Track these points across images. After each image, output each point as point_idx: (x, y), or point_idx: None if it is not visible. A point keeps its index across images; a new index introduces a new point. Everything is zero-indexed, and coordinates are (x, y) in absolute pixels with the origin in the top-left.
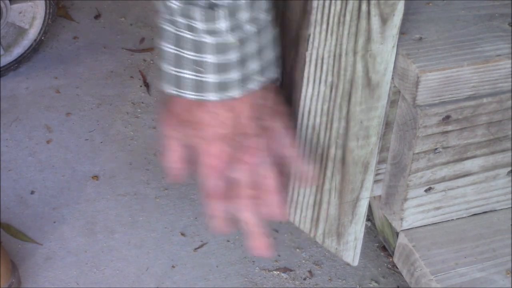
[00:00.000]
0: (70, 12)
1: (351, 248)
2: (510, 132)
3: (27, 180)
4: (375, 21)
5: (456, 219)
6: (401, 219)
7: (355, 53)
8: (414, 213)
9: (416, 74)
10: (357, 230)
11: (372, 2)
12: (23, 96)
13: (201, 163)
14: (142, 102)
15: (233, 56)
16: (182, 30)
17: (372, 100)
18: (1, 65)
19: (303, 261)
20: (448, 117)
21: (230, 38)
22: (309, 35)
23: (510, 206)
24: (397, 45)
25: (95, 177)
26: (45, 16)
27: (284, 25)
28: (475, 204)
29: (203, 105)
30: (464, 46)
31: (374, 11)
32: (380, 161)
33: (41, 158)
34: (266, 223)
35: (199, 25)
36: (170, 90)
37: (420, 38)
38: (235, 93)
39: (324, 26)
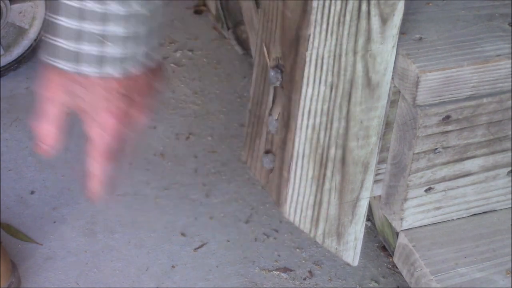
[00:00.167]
0: None
1: (351, 248)
2: (510, 132)
3: (27, 180)
4: (375, 21)
5: (456, 219)
6: (401, 219)
7: (355, 53)
8: (414, 213)
9: (416, 74)
10: (357, 230)
11: (372, 2)
12: (23, 96)
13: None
14: None
15: (119, 30)
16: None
17: (372, 100)
18: (1, 65)
19: (303, 261)
20: (448, 117)
21: (119, 10)
22: (309, 35)
23: (510, 206)
24: (397, 45)
25: None
26: (45, 16)
27: (284, 25)
28: (475, 204)
29: (80, 76)
30: (464, 46)
31: (374, 11)
32: (380, 161)
33: (41, 158)
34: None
35: None
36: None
37: (420, 38)
38: (112, 70)
39: (324, 26)
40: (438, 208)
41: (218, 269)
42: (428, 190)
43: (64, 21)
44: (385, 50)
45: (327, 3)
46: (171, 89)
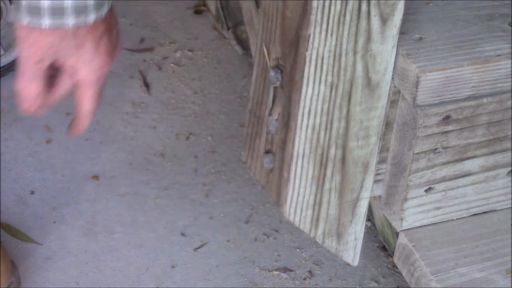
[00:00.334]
0: None
1: (351, 248)
2: (510, 132)
3: (27, 180)
4: (375, 21)
5: (456, 219)
6: (401, 219)
7: (355, 53)
8: (414, 213)
9: (416, 74)
10: (357, 230)
11: (372, 2)
12: None
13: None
14: (142, 102)
15: None
16: None
17: (372, 100)
18: (1, 65)
19: (303, 261)
20: (448, 117)
21: None
22: (309, 35)
23: (510, 206)
24: (397, 45)
25: (95, 177)
26: None
27: (284, 25)
28: (475, 204)
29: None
30: (464, 46)
31: (374, 11)
32: (380, 161)
33: (41, 158)
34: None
35: None
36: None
37: (420, 38)
38: (68, 21)
39: (324, 26)
40: (438, 208)
41: (218, 269)
42: (428, 190)
43: None
44: (385, 50)
45: (327, 3)
46: (171, 89)
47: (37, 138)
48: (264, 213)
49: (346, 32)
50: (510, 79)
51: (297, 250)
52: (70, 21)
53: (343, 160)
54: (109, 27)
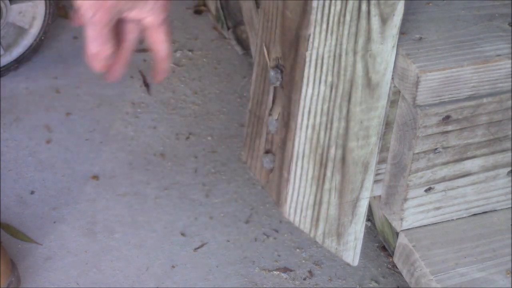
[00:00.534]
0: (70, 12)
1: (351, 248)
2: (510, 132)
3: (27, 180)
4: (375, 21)
5: (456, 219)
6: (401, 219)
7: (355, 53)
8: (414, 213)
9: (416, 74)
10: (357, 230)
11: (372, 2)
12: (23, 96)
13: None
14: (142, 102)
15: None
16: None
17: (372, 100)
18: (1, 65)
19: (303, 261)
20: (448, 117)
21: None
22: (309, 35)
23: (510, 206)
24: (397, 45)
25: (95, 177)
26: (45, 16)
27: (284, 25)
28: (475, 204)
29: None
30: (464, 46)
31: (374, 11)
32: (380, 161)
33: (41, 158)
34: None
35: None
36: None
37: (420, 38)
38: None
39: (324, 26)
40: (438, 208)
41: (218, 269)
42: (428, 190)
43: None
44: (385, 50)
45: (327, 3)
46: (171, 89)
47: (37, 138)
48: (264, 213)
49: (346, 32)
50: (510, 79)
51: (297, 250)
52: None
53: (343, 160)
54: None
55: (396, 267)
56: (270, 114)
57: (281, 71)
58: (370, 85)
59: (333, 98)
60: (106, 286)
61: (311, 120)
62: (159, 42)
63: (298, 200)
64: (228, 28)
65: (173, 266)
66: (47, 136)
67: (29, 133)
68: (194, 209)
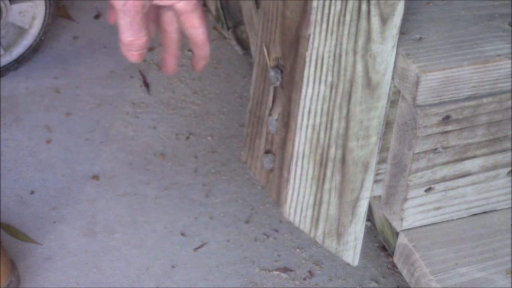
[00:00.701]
0: (70, 12)
1: (351, 248)
2: (510, 132)
3: (27, 180)
4: (375, 21)
5: (456, 219)
6: (401, 219)
7: (355, 53)
8: (414, 213)
9: (416, 74)
10: (357, 230)
11: (372, 2)
12: (23, 96)
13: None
14: (142, 102)
15: None
16: None
17: (372, 100)
18: (1, 65)
19: (303, 261)
20: (448, 117)
21: None
22: (309, 35)
23: (510, 206)
24: (397, 45)
25: (95, 177)
26: (45, 16)
27: (284, 25)
28: (475, 204)
29: None
30: (464, 46)
31: (374, 11)
32: (380, 161)
33: (41, 158)
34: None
35: None
36: None
37: (420, 38)
38: None
39: (324, 26)
40: (438, 208)
41: (218, 269)
42: (428, 190)
43: None
44: (385, 50)
45: (327, 3)
46: (171, 89)
47: (37, 138)
48: (264, 213)
49: (346, 32)
50: (510, 79)
51: (297, 250)
52: None
53: (343, 160)
54: None
55: (396, 267)
56: (270, 114)
57: (281, 71)
58: (370, 85)
59: (333, 98)
60: (106, 286)
61: (311, 120)
62: (194, 28)
63: (298, 200)
64: (228, 28)
65: (173, 266)
66: (47, 136)
67: (29, 133)
68: (194, 209)
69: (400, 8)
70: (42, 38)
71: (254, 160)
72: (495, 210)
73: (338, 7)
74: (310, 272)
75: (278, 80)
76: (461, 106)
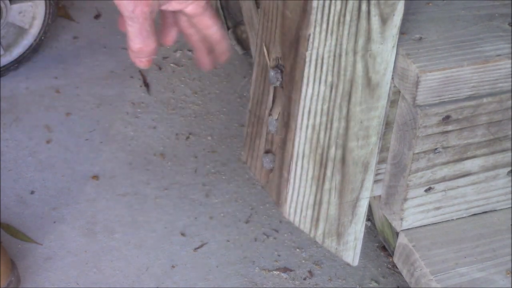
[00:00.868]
0: (70, 12)
1: (351, 248)
2: (510, 132)
3: (27, 180)
4: (375, 21)
5: (456, 219)
6: (401, 219)
7: (355, 53)
8: (414, 213)
9: (416, 74)
10: (357, 230)
11: (372, 2)
12: (23, 96)
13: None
14: (142, 102)
15: None
16: None
17: (372, 100)
18: (1, 65)
19: (303, 261)
20: (448, 117)
21: None
22: (309, 35)
23: (510, 206)
24: (397, 45)
25: (95, 177)
26: (45, 16)
27: (284, 25)
28: (475, 204)
29: None
30: (464, 46)
31: (374, 11)
32: (380, 161)
33: (41, 158)
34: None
35: None
36: None
37: (420, 38)
38: None
39: (324, 26)
40: (438, 208)
41: (218, 269)
42: (428, 190)
43: None
44: (385, 50)
45: (327, 3)
46: (171, 89)
47: (37, 138)
48: (264, 213)
49: (346, 32)
50: (510, 79)
51: (297, 250)
52: None
53: (343, 160)
54: None
55: (396, 267)
56: (270, 114)
57: (281, 71)
58: (370, 85)
59: (333, 98)
60: (106, 286)
61: (311, 120)
62: (208, 28)
63: (298, 200)
64: (228, 28)
65: (173, 266)
66: (47, 136)
67: (29, 133)
68: (194, 209)
69: (400, 8)
70: (42, 38)
71: (254, 160)
72: (495, 210)
73: (338, 7)
74: (310, 272)
75: (278, 80)
76: (461, 106)
